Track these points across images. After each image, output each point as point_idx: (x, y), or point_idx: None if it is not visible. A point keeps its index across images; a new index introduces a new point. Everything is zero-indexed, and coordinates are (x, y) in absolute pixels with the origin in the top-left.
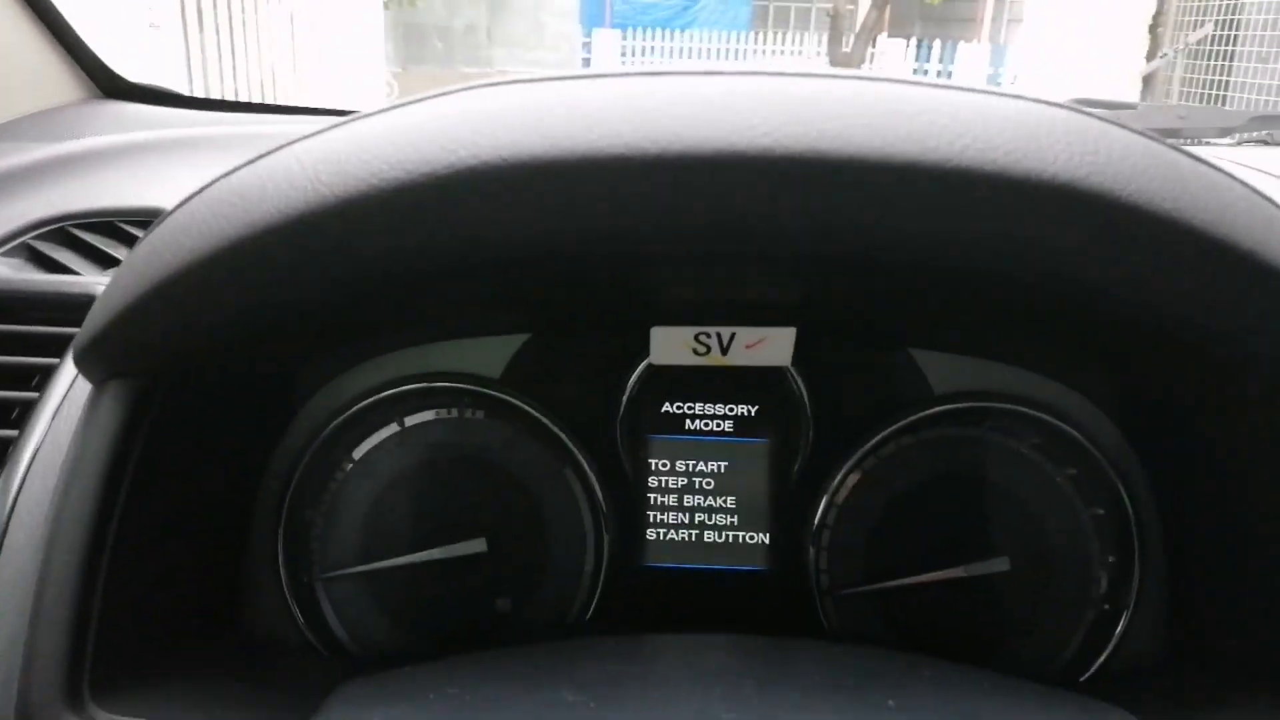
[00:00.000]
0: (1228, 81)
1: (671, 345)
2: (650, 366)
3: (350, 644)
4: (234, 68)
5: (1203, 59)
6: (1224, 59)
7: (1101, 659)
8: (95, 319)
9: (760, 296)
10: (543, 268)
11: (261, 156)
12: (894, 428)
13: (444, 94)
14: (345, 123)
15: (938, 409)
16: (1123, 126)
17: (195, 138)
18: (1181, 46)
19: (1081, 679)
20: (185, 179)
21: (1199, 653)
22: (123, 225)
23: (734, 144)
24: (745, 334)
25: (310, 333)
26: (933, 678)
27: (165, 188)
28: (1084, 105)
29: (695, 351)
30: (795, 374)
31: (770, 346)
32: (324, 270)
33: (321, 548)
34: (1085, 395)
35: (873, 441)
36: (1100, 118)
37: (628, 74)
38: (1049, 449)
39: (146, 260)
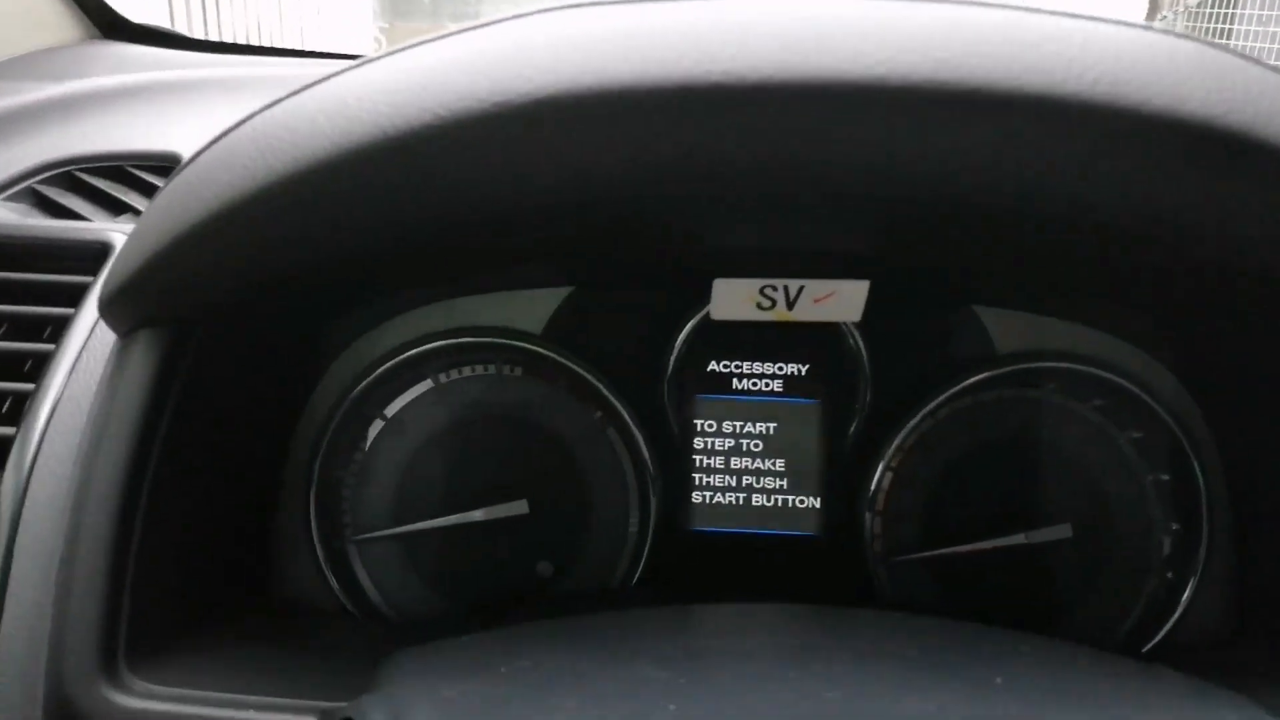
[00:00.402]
0: (1227, 45)
1: (734, 299)
2: (699, 322)
3: (385, 608)
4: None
5: (1203, 21)
6: (1224, 21)
7: (1165, 630)
8: (125, 263)
9: (831, 245)
10: (605, 212)
11: (306, 88)
12: (957, 388)
13: (512, 19)
14: (398, 52)
15: (1004, 369)
16: (1259, 62)
17: (203, 79)
18: (1181, 8)
19: (1143, 650)
20: (195, 122)
21: (1268, 625)
22: (132, 170)
23: (846, 74)
24: (814, 287)
25: (347, 282)
26: (1033, 654)
27: (175, 130)
28: None
29: (759, 305)
30: (854, 331)
31: (840, 300)
32: (380, 211)
33: (354, 509)
34: (1152, 354)
35: (934, 403)
36: (1234, 52)
37: None
38: (1112, 411)
39: (183, 199)
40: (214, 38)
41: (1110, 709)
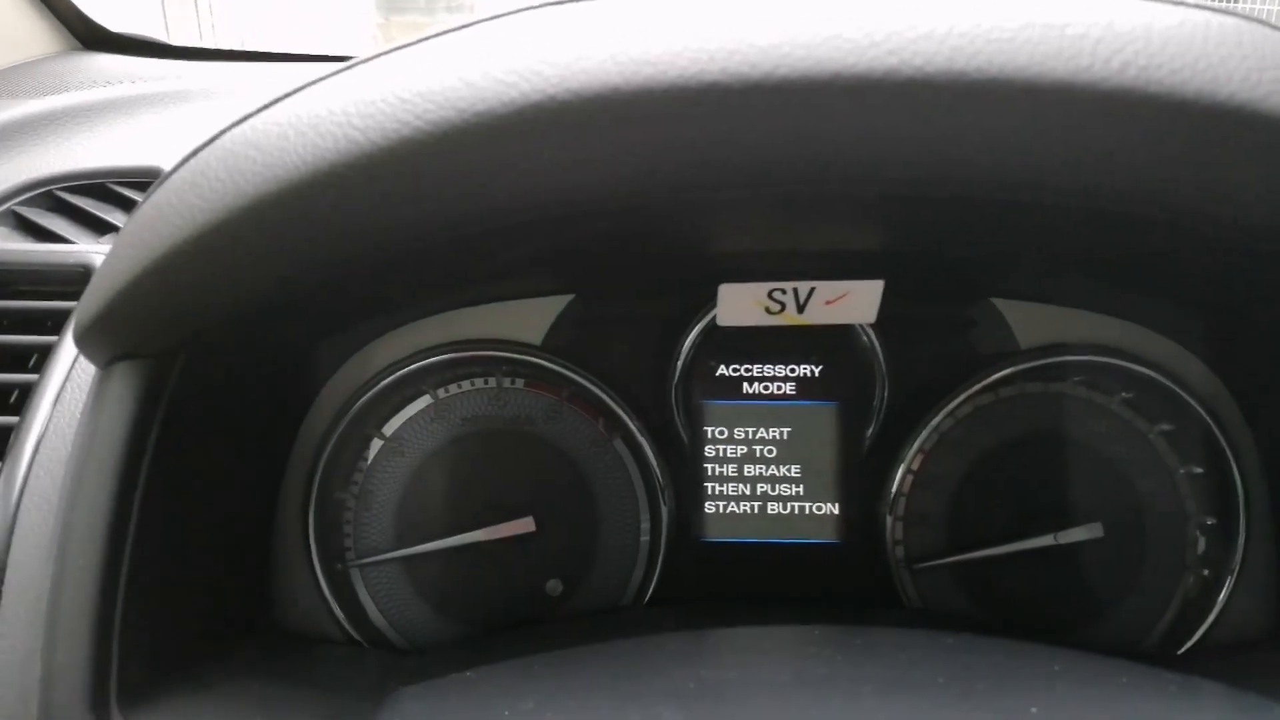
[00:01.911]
0: (1267, 19)
1: (741, 304)
2: (706, 325)
3: (392, 635)
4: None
5: None
6: None
7: (1202, 630)
8: (94, 296)
9: (844, 244)
10: (603, 219)
11: (276, 101)
12: (979, 385)
13: (491, 20)
14: (371, 59)
15: (1027, 364)
16: None
17: (188, 89)
18: None
19: (1180, 652)
20: (180, 134)
21: None
22: (115, 187)
23: (854, 65)
24: (826, 289)
25: (333, 300)
26: (1066, 673)
27: (159, 145)
28: None
29: (768, 310)
30: (867, 330)
31: (853, 301)
32: (357, 229)
33: (355, 533)
34: (1181, 342)
35: (953, 402)
36: (1275, 27)
37: None
38: (1141, 403)
39: (150, 226)
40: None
41: None
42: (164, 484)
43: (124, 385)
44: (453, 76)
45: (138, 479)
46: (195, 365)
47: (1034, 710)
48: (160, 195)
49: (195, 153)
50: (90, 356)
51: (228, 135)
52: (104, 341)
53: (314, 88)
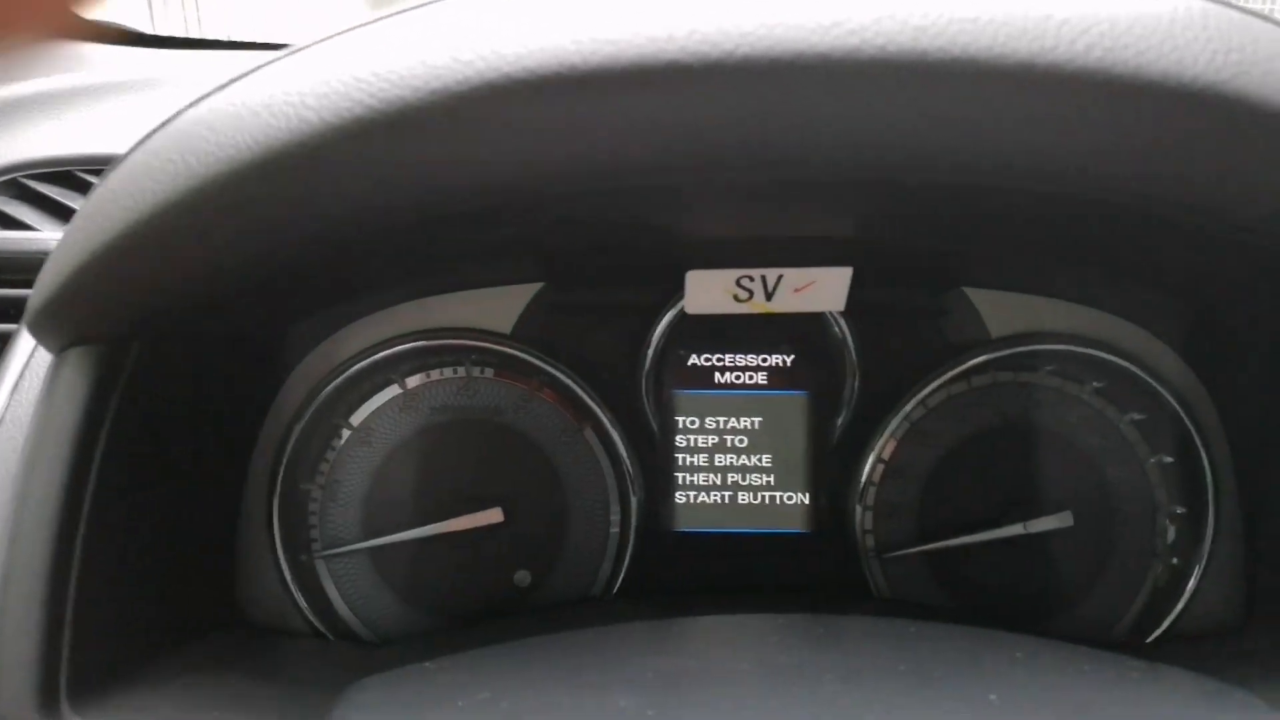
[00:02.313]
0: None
1: (709, 291)
2: (677, 315)
3: (358, 627)
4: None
5: None
6: None
7: (1170, 619)
8: (46, 281)
9: (810, 230)
10: (565, 205)
11: (231, 82)
12: (949, 375)
13: None
14: (328, 39)
15: (998, 352)
16: (1267, 19)
17: (160, 77)
18: None
19: (1148, 640)
20: (147, 122)
21: (1277, 614)
22: (82, 174)
23: (815, 45)
24: (793, 276)
25: (296, 287)
26: (1028, 661)
27: (128, 132)
28: None
29: (736, 298)
30: (839, 319)
31: (821, 289)
32: (311, 212)
33: (321, 523)
34: (1152, 331)
35: (924, 391)
36: (1241, 10)
37: None
38: (1112, 392)
39: (102, 210)
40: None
41: None
42: (119, 473)
43: (76, 372)
44: (409, 56)
45: (90, 468)
46: (152, 352)
47: (993, 698)
48: (113, 178)
49: (150, 135)
50: (43, 343)
51: (182, 117)
52: (56, 327)
53: (269, 68)
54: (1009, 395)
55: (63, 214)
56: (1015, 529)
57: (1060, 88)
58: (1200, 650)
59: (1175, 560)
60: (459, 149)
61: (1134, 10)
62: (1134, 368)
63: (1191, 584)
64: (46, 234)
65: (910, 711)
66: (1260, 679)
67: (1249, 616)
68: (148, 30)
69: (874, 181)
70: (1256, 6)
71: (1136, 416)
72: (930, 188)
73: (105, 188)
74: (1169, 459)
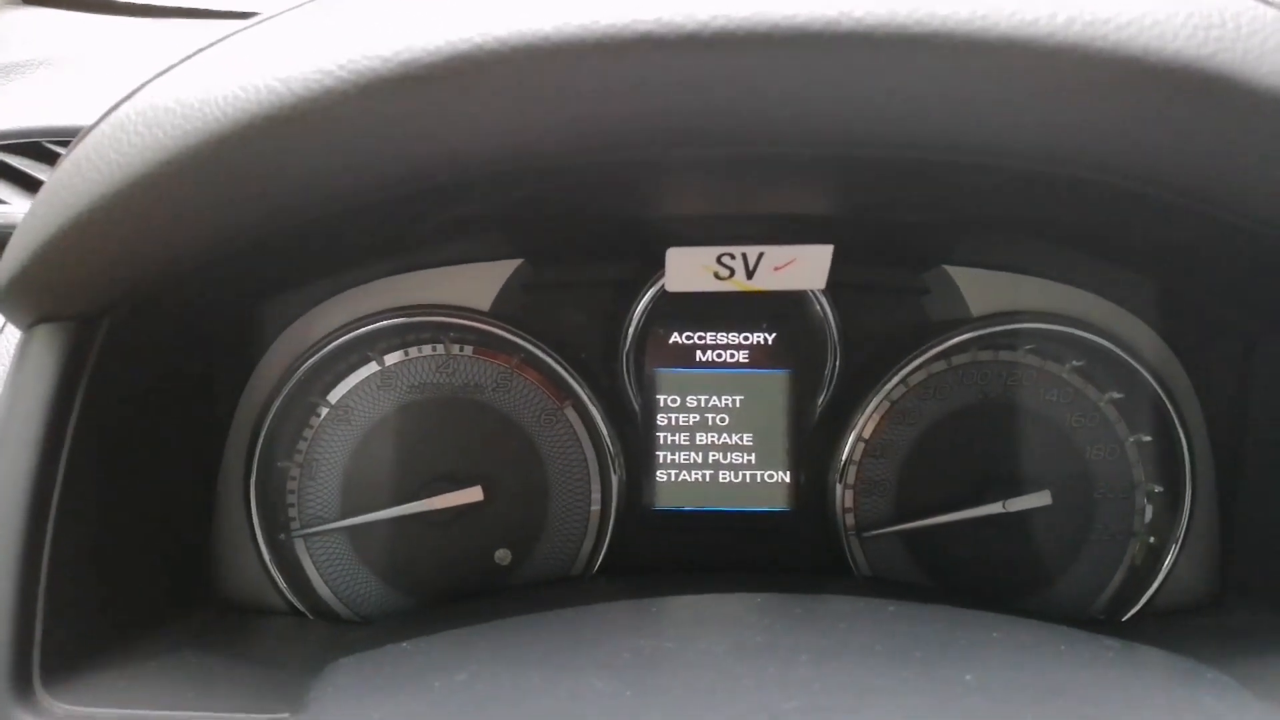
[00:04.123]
0: None
1: (689, 269)
2: (657, 293)
3: (336, 605)
4: None
5: None
6: None
7: (1147, 596)
8: (12, 256)
9: (792, 208)
10: (541, 180)
11: (198, 52)
12: (930, 353)
13: None
14: (297, 8)
15: (979, 331)
16: None
17: (130, 46)
18: None
19: (1125, 618)
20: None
21: (1252, 591)
22: (51, 146)
23: (792, 17)
24: (774, 254)
25: (269, 262)
26: (1005, 641)
27: (98, 103)
28: None
29: (717, 275)
30: (821, 297)
31: (802, 267)
32: (280, 186)
33: (299, 502)
34: (1132, 310)
35: (905, 369)
36: None
37: None
38: (1092, 371)
39: (67, 184)
40: None
41: (1086, 706)
42: (91, 451)
43: (45, 349)
44: (378, 25)
45: (61, 447)
46: (124, 328)
47: (969, 678)
48: (79, 151)
49: (116, 107)
50: (11, 319)
51: (148, 88)
52: (23, 304)
53: (237, 38)
54: (989, 374)
55: (32, 186)
56: (994, 507)
57: (1041, 62)
58: (1176, 627)
59: (1152, 539)
60: (431, 120)
61: None
62: (1113, 346)
63: (1168, 562)
64: (14, 207)
65: (886, 693)
66: (1234, 655)
67: (1224, 593)
68: None
69: (852, 157)
70: None
71: (1115, 395)
72: (910, 163)
73: (70, 160)
74: (1147, 438)
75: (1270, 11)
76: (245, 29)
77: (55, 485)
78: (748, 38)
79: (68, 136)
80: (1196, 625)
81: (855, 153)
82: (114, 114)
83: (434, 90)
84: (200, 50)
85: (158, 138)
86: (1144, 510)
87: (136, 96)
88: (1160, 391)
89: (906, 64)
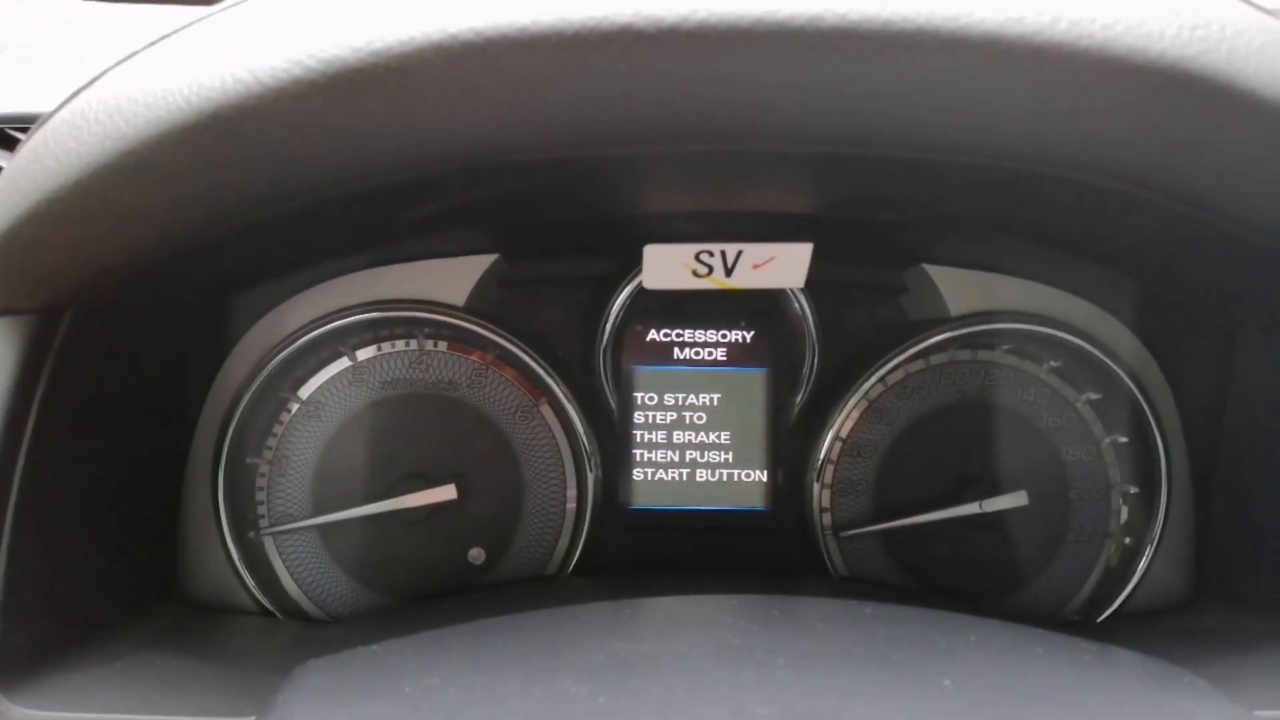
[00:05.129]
0: None
1: (667, 266)
2: (635, 289)
3: (307, 605)
4: None
5: None
6: None
7: (1122, 597)
8: None
9: (771, 206)
10: (519, 175)
11: (161, 38)
12: (908, 352)
13: None
14: None
15: (957, 330)
16: None
17: (94, 30)
18: None
19: (1100, 619)
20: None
21: (1225, 592)
22: (12, 132)
23: (775, 12)
24: (753, 252)
25: (238, 254)
26: (982, 644)
27: (61, 89)
28: None
29: (695, 273)
30: (799, 295)
31: (781, 265)
32: (247, 179)
33: (269, 499)
34: (1111, 311)
35: (884, 369)
36: None
37: None
38: (1069, 372)
39: (25, 173)
40: None
41: (1064, 710)
42: (52, 448)
43: (4, 343)
44: (351, 13)
45: (20, 443)
46: (87, 321)
47: (947, 682)
48: (38, 139)
49: (76, 94)
50: None
51: (110, 74)
52: None
53: (201, 24)
54: (967, 373)
55: None
56: (972, 508)
57: (1027, 60)
58: (1151, 628)
59: (1128, 539)
60: (404, 113)
61: None
62: (1091, 347)
63: (1143, 563)
64: None
65: (864, 697)
66: (1208, 656)
67: (1198, 594)
68: None
69: (833, 154)
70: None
71: (1093, 396)
72: (892, 160)
73: (29, 148)
74: (1124, 439)
75: (1255, 14)
76: (211, 15)
77: (13, 482)
78: (729, 32)
79: (30, 123)
80: (1171, 626)
81: (837, 150)
82: (74, 101)
83: (407, 82)
84: (165, 36)
85: (119, 127)
86: (1120, 511)
87: (98, 83)
88: (1137, 392)
89: (890, 61)
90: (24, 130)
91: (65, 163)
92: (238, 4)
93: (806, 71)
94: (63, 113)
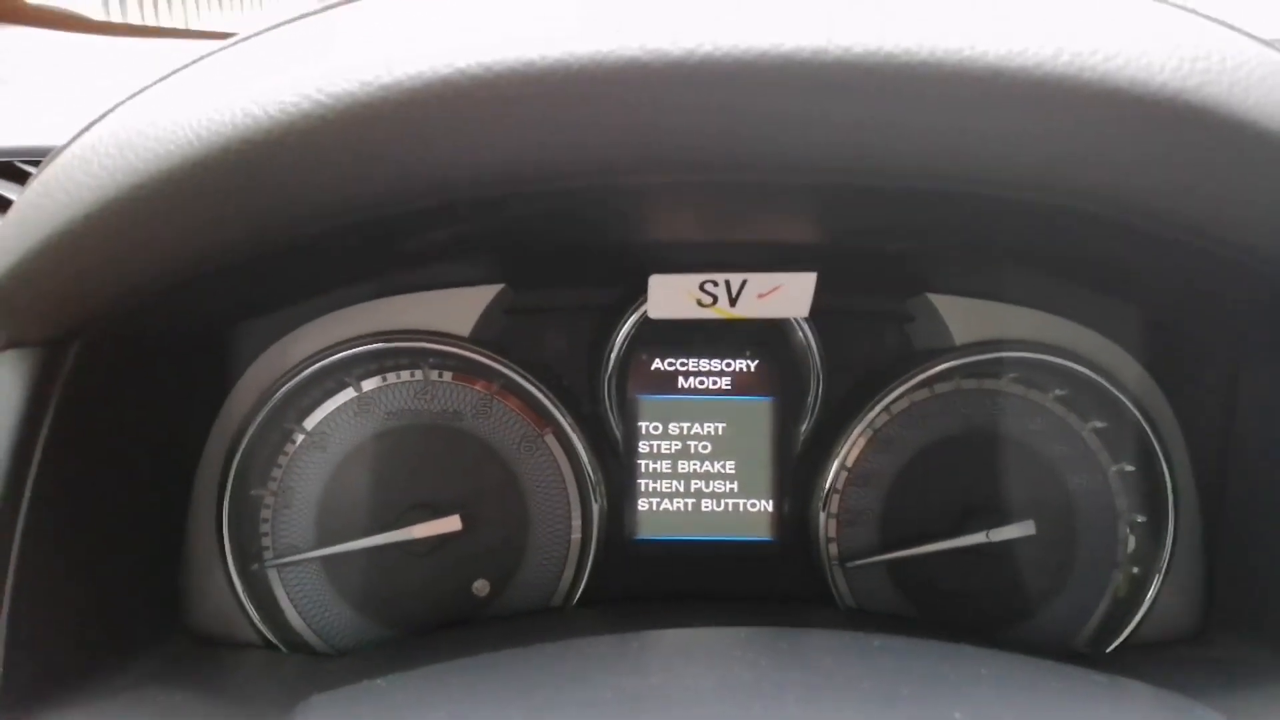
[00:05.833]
0: (1200, 10)
1: (672, 296)
2: (640, 319)
3: (311, 638)
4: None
5: None
6: None
7: (1130, 627)
8: None
9: (776, 236)
10: (525, 206)
11: (172, 73)
12: (913, 381)
13: None
14: (275, 28)
15: (962, 359)
16: (1234, 28)
17: (105, 65)
18: None
19: (1109, 649)
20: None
21: (1235, 623)
22: (23, 166)
23: (779, 45)
24: (758, 281)
25: (245, 286)
26: (993, 677)
27: (71, 123)
28: None
29: (700, 302)
30: (804, 324)
31: (786, 295)
32: (255, 211)
33: (274, 531)
34: (1115, 340)
35: (889, 397)
36: (1209, 18)
37: None
38: (1075, 401)
39: (35, 206)
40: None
41: None
42: (58, 479)
43: (12, 374)
44: (359, 48)
45: (26, 476)
46: (93, 353)
47: (958, 716)
48: (48, 173)
49: (88, 128)
50: None
51: (121, 109)
52: None
53: (212, 59)
54: (973, 402)
55: (2, 206)
56: (978, 537)
57: (1029, 92)
58: (1161, 659)
59: (1136, 569)
60: (412, 147)
61: (1100, 15)
62: (1096, 376)
63: (1151, 593)
64: None
65: None
66: (1219, 689)
67: (1207, 625)
68: (98, 17)
69: (838, 184)
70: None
71: (1099, 425)
72: (896, 191)
73: (40, 182)
74: (1130, 468)
75: (1255, 45)
76: (221, 49)
77: (19, 514)
78: (735, 66)
79: (40, 157)
80: (1181, 657)
81: (840, 180)
82: (85, 135)
83: (416, 116)
84: (176, 71)
85: (129, 160)
86: (1127, 540)
87: (109, 117)
88: (1143, 421)
89: (893, 93)
90: (34, 164)
91: (75, 196)
92: (248, 39)
93: (810, 104)
94: (73, 147)
